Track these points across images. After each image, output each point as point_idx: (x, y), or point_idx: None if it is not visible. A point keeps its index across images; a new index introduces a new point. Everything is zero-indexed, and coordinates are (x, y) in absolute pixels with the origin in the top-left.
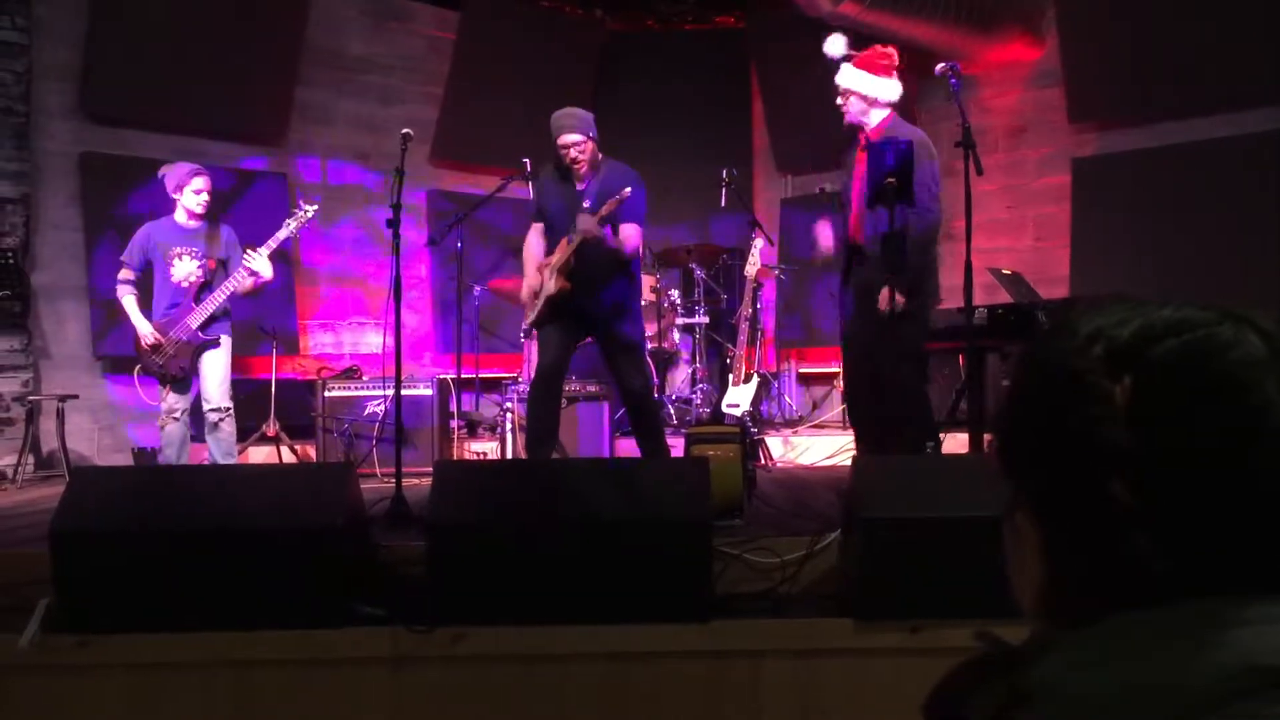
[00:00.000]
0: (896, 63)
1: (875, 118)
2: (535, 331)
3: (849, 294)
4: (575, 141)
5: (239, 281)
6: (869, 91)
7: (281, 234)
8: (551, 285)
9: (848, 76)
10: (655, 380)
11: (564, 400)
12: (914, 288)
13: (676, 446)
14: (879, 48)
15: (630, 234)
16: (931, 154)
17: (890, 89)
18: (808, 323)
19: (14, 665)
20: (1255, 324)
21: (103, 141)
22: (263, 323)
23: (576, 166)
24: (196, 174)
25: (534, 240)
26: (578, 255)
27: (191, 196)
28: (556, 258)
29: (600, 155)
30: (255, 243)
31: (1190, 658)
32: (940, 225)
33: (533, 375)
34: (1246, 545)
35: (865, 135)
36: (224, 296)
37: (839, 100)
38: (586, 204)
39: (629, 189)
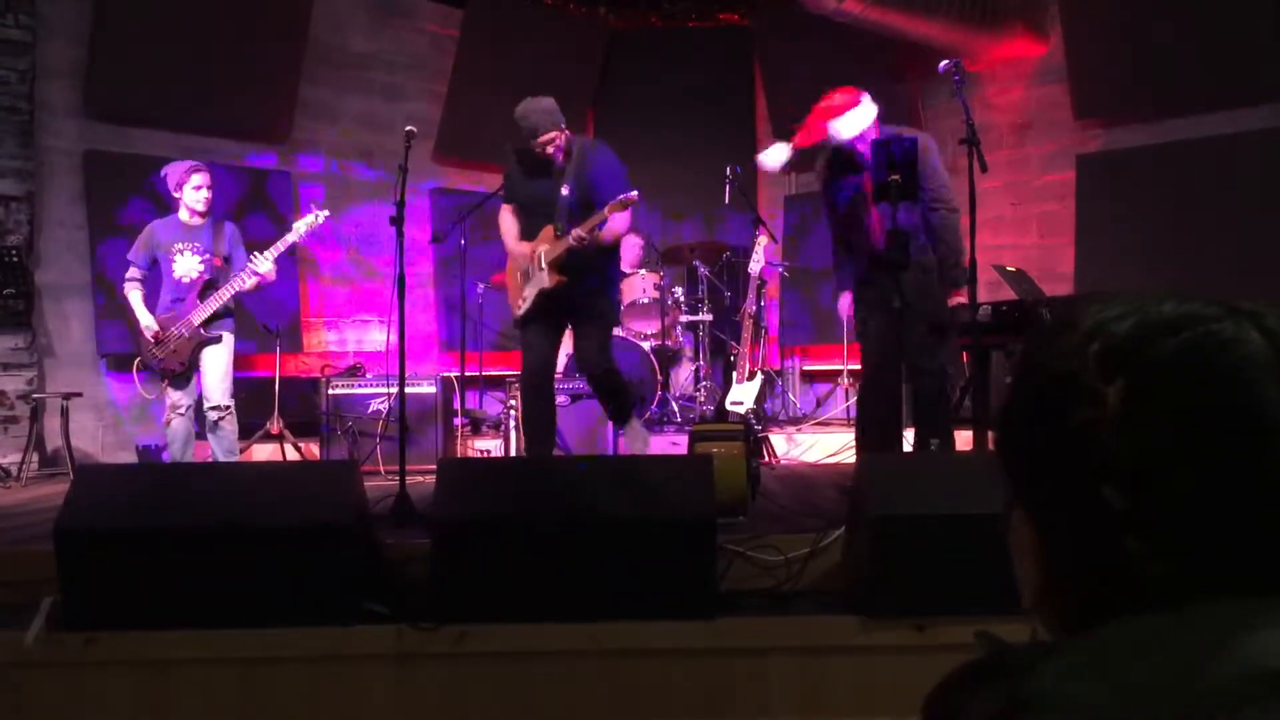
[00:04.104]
0: (852, 92)
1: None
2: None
3: (870, 300)
4: (552, 138)
5: (243, 282)
6: (864, 124)
7: (290, 237)
8: (546, 280)
9: (845, 128)
10: (661, 377)
11: (567, 398)
12: (954, 282)
13: (680, 444)
14: (837, 94)
15: (618, 222)
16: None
17: (870, 108)
18: (812, 320)
19: (19, 663)
20: (1260, 321)
21: (107, 139)
22: (266, 320)
23: (554, 159)
24: (195, 171)
25: (510, 220)
26: (567, 254)
27: (192, 194)
28: (547, 250)
29: (572, 139)
30: (259, 240)
31: (1192, 662)
32: (955, 216)
33: (522, 375)
34: (1244, 548)
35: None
36: (228, 295)
37: (861, 147)
38: (565, 191)
39: (610, 207)
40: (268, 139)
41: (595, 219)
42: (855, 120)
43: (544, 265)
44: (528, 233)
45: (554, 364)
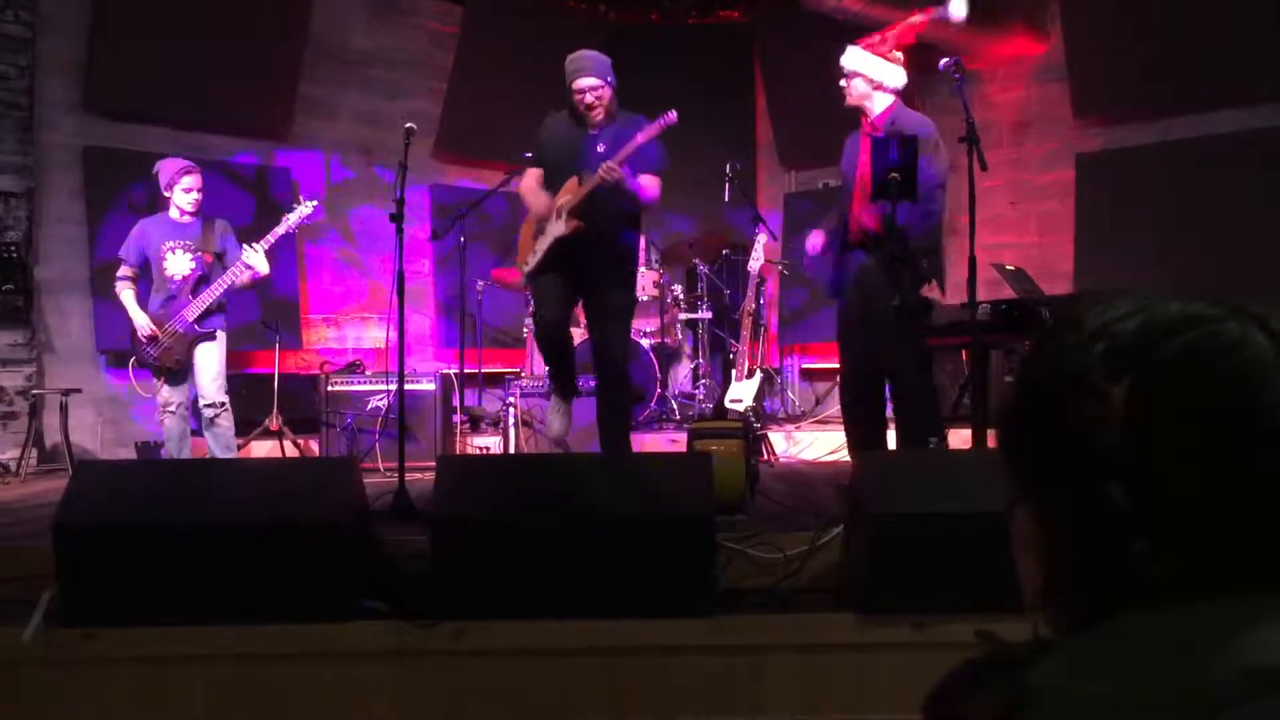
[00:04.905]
0: (901, 50)
1: (880, 103)
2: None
3: (847, 283)
4: (592, 85)
5: (235, 276)
6: (875, 75)
7: (280, 229)
8: (561, 226)
9: (853, 58)
10: (659, 375)
11: None
12: (922, 280)
13: (679, 442)
14: (885, 34)
15: (650, 184)
16: (938, 145)
17: (896, 74)
18: (811, 318)
19: (17, 659)
20: (1266, 323)
21: (106, 135)
22: (266, 317)
23: (593, 113)
24: (187, 172)
25: (532, 181)
26: (589, 204)
27: (182, 195)
28: (566, 199)
29: (617, 105)
30: (255, 237)
31: (1193, 660)
32: (942, 222)
33: (536, 327)
34: (1248, 548)
35: (869, 123)
36: (221, 290)
37: (842, 82)
38: (600, 148)
39: (646, 132)
40: (268, 135)
41: (630, 146)
42: (845, 56)
43: (562, 214)
44: (552, 190)
45: (569, 317)
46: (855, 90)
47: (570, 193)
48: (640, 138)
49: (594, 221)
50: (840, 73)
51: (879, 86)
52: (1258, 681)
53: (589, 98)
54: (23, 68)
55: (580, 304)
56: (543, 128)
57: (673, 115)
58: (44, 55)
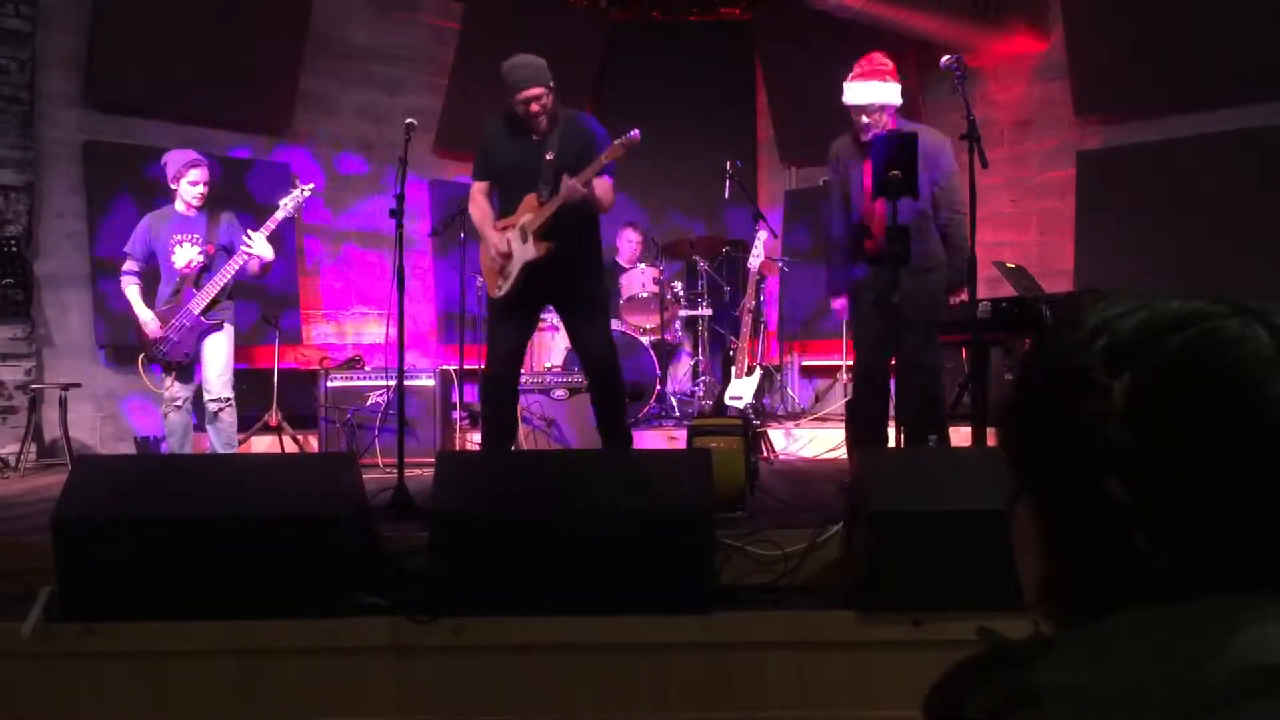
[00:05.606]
0: (887, 68)
1: (886, 120)
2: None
3: (867, 294)
4: (538, 95)
5: (238, 263)
6: (895, 100)
7: (279, 214)
8: (532, 250)
9: (887, 93)
10: (659, 372)
11: (565, 391)
12: (958, 282)
13: (679, 439)
14: (877, 56)
15: (606, 189)
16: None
17: (890, 90)
18: (810, 315)
19: (16, 653)
20: (1266, 319)
21: (107, 130)
22: (266, 312)
23: (537, 120)
24: (193, 165)
25: (481, 201)
26: (553, 221)
27: (188, 188)
28: (529, 219)
29: (557, 105)
30: (255, 228)
31: (1194, 656)
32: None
33: (486, 369)
34: (1248, 544)
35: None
36: (225, 280)
37: (866, 119)
38: (549, 156)
39: (610, 153)
40: (268, 130)
41: (594, 166)
42: (870, 91)
43: (529, 236)
44: (507, 209)
45: (522, 358)
46: (881, 122)
47: (531, 211)
48: (604, 156)
49: (561, 238)
50: (864, 109)
51: (893, 108)
52: (1258, 680)
53: (535, 106)
54: (23, 61)
55: (554, 312)
56: (485, 137)
57: (635, 134)
58: (44, 49)
